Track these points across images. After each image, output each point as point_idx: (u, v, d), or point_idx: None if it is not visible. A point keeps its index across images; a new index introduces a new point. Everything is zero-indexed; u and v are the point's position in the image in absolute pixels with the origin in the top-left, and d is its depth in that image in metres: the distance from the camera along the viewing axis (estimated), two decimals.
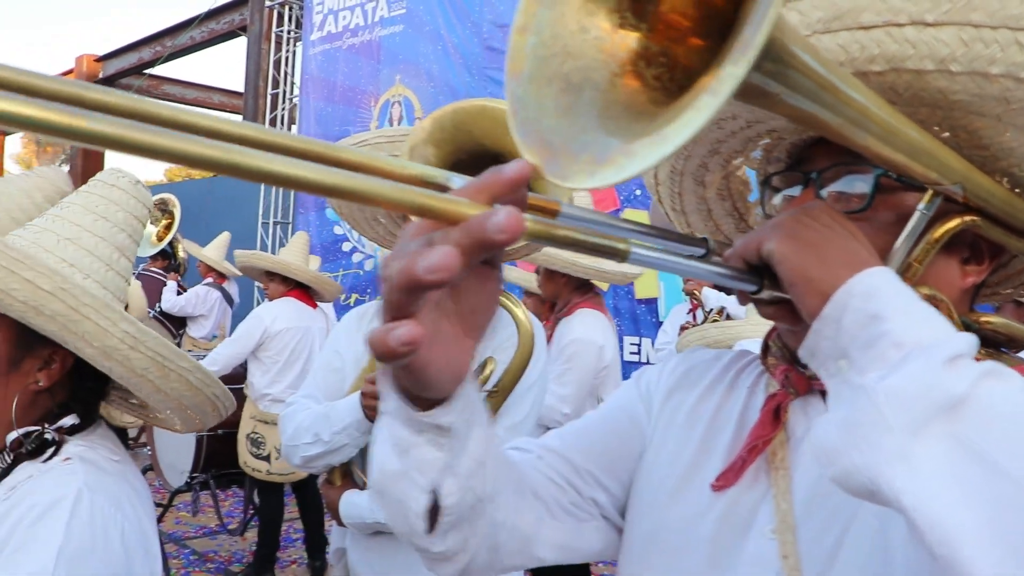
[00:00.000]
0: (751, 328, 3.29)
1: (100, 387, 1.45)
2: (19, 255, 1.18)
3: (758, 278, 0.88)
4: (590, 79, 0.79)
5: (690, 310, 6.03)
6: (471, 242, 0.66)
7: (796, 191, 1.06)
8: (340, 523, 2.38)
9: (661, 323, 6.75)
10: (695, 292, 5.90)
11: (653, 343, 6.86)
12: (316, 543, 5.98)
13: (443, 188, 0.73)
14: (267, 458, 5.46)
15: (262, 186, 10.93)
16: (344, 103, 10.19)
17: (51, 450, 1.33)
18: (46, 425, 1.36)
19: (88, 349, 1.26)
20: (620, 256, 0.76)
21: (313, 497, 5.93)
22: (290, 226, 10.89)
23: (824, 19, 0.90)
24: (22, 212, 2.16)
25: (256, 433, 5.39)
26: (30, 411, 1.36)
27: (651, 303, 7.22)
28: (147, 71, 14.88)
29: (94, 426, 1.43)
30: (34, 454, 1.33)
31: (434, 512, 0.93)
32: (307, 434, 2.30)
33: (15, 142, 31.13)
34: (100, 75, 15.18)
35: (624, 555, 1.18)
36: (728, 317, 5.47)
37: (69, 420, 1.38)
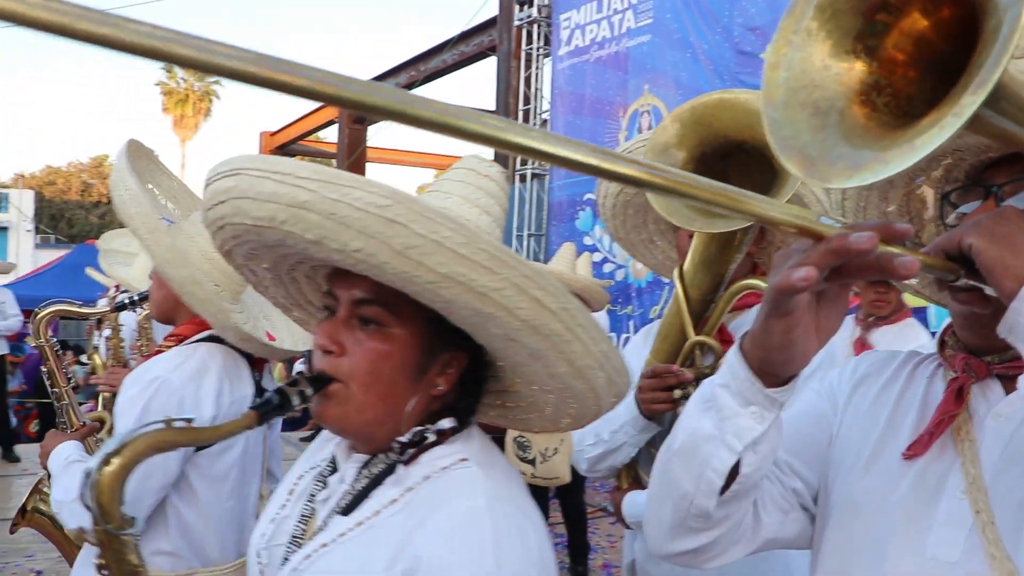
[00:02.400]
0: None
1: (480, 389, 1.37)
2: (533, 272, 1.09)
3: (956, 268, 1.06)
4: (834, 106, 1.01)
5: None
6: (829, 253, 0.92)
7: (969, 207, 1.24)
8: (625, 524, 2.43)
9: (934, 333, 6.35)
10: None
11: None
12: (578, 548, 6.07)
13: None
14: (532, 462, 5.59)
15: (516, 200, 11.29)
16: (593, 115, 10.35)
17: (413, 451, 1.27)
18: (428, 426, 1.29)
19: (565, 367, 1.20)
20: None
21: (576, 503, 6.04)
22: (543, 238, 11.18)
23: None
24: None
25: (523, 437, 5.54)
26: (421, 415, 1.30)
27: (920, 312, 6.81)
28: None
29: (472, 428, 1.35)
30: (403, 453, 1.28)
31: (730, 478, 1.16)
32: (590, 435, 2.36)
33: None
34: None
35: (821, 528, 1.33)
36: None
37: (447, 423, 1.30)
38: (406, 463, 1.27)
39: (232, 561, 2.26)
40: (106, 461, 1.09)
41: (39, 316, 2.84)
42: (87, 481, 1.09)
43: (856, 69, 1.02)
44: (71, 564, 2.69)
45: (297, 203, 1.03)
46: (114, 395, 3.39)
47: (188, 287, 2.15)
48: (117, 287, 5.57)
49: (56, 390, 2.78)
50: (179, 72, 47.53)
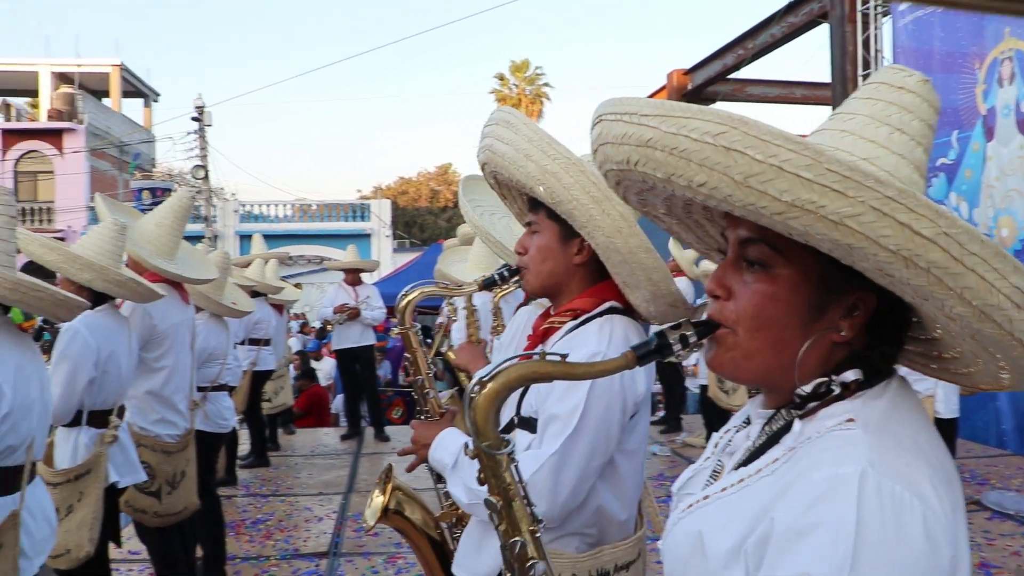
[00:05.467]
0: None
1: (901, 337, 1.20)
2: (899, 193, 0.94)
3: None
4: None
5: None
6: None
7: None
8: None
9: None
10: None
11: None
12: None
13: None
14: None
15: None
16: (944, 71, 9.46)
17: (813, 404, 1.15)
18: (832, 377, 1.15)
19: (962, 307, 0.98)
20: None
21: None
22: None
23: None
24: None
25: None
26: (822, 364, 1.17)
27: None
28: (730, 76, 15.37)
29: (886, 383, 1.17)
30: (805, 410, 1.16)
31: None
32: None
33: None
34: (689, 86, 16.08)
35: None
36: None
37: (852, 375, 1.15)
38: (802, 417, 1.15)
39: (632, 535, 2.18)
40: (481, 384, 1.19)
41: (407, 300, 2.68)
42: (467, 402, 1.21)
43: None
44: (425, 568, 2.63)
45: (643, 142, 1.03)
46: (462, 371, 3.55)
47: (641, 254, 2.03)
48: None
49: (419, 377, 2.69)
50: (511, 79, 50.06)
